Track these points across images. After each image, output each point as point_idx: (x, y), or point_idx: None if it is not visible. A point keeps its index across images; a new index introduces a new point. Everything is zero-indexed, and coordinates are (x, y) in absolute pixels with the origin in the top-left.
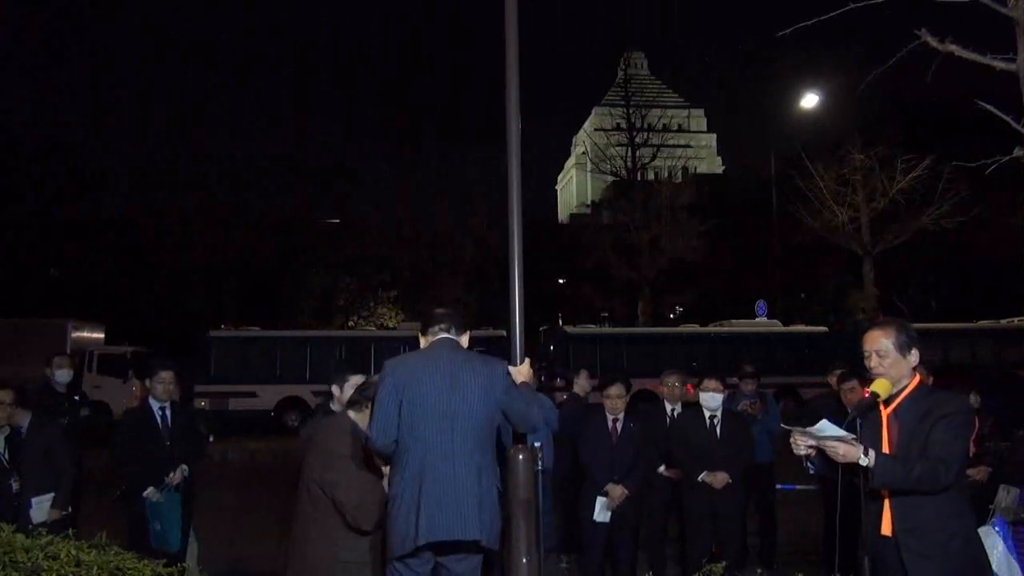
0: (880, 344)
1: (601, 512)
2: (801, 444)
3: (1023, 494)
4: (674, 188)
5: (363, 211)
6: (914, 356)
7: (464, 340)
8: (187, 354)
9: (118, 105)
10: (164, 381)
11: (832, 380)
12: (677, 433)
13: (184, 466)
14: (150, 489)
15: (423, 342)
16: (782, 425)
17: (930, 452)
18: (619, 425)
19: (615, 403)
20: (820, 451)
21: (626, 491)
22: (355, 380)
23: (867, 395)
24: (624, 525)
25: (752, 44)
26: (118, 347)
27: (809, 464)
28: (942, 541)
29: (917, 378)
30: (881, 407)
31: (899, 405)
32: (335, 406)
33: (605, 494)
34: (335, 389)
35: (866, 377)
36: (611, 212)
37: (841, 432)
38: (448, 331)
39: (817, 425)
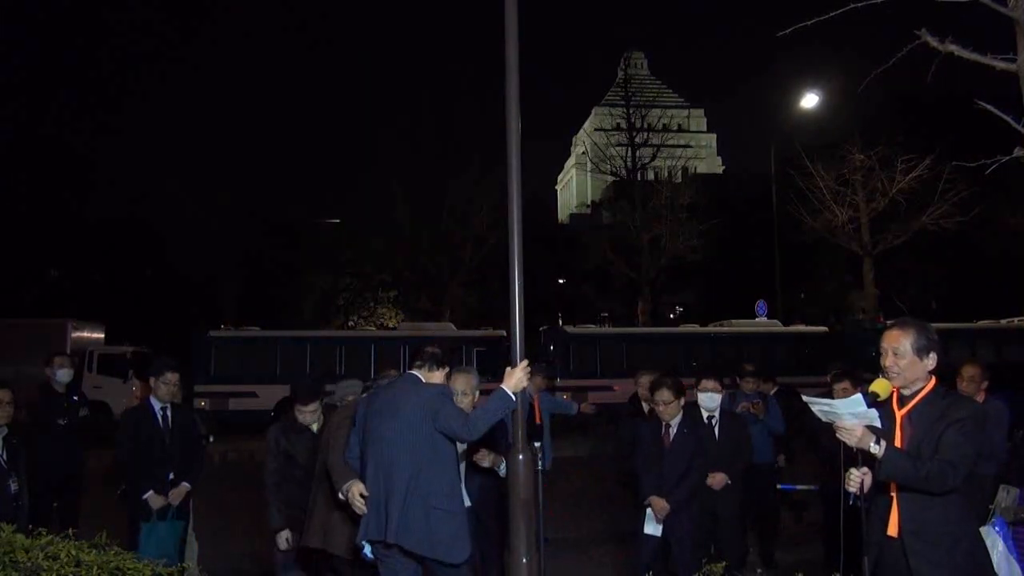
0: (898, 344)
1: (650, 524)
2: (854, 481)
3: (1023, 494)
4: (674, 188)
5: (363, 211)
6: (931, 360)
7: (436, 376)
8: (186, 354)
9: (118, 105)
10: (169, 383)
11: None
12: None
13: (186, 483)
14: (150, 493)
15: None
16: (804, 398)
17: (940, 455)
18: (672, 432)
19: (664, 410)
20: (872, 484)
21: (667, 506)
22: (348, 383)
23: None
24: (683, 539)
25: (752, 44)
26: (118, 347)
27: (860, 499)
28: (948, 545)
29: (933, 381)
30: (895, 409)
31: (913, 408)
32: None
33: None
34: (331, 387)
35: (859, 377)
36: (611, 212)
37: (870, 411)
38: (421, 368)
39: (851, 398)
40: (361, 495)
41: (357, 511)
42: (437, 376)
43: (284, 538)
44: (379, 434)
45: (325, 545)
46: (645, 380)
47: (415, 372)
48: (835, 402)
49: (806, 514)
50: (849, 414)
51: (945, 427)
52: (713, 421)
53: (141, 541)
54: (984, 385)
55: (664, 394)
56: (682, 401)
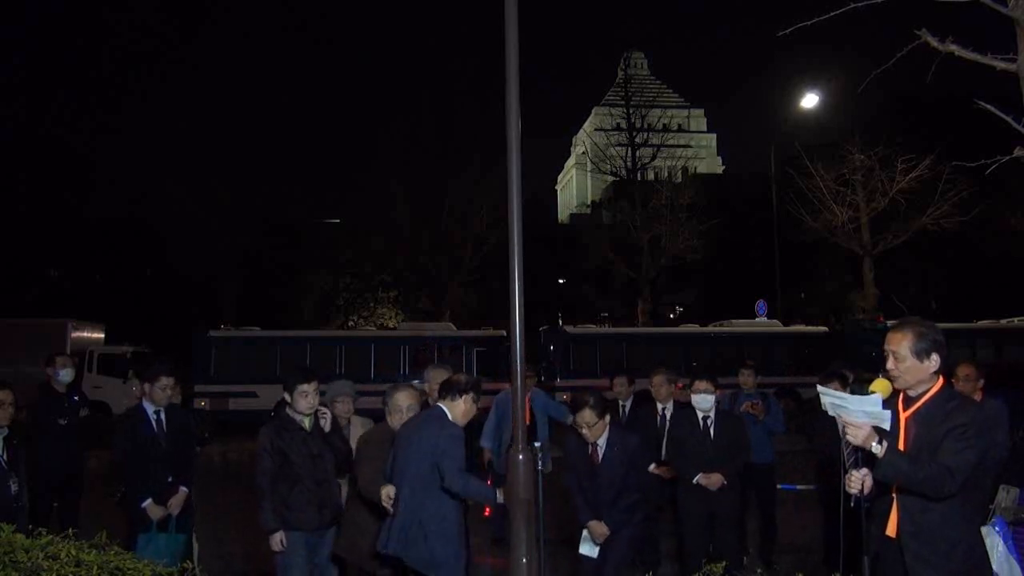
0: (898, 347)
1: (586, 545)
2: (855, 483)
3: (1023, 494)
4: (674, 188)
5: (363, 211)
6: (933, 362)
7: (459, 404)
8: (186, 354)
9: (118, 105)
10: (164, 388)
11: None
12: (671, 435)
13: (184, 488)
14: (149, 502)
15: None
16: (818, 387)
17: (940, 459)
18: (600, 450)
19: (589, 433)
20: (875, 484)
21: (607, 530)
22: (339, 383)
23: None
24: (615, 562)
25: (752, 44)
26: (118, 347)
27: (863, 499)
28: (945, 549)
29: (940, 382)
30: (900, 410)
31: (918, 409)
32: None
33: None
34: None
35: (858, 377)
36: (611, 212)
37: (884, 412)
38: (445, 399)
39: (867, 396)
40: (389, 496)
41: (389, 511)
42: (460, 404)
43: (278, 540)
44: (400, 461)
45: (347, 554)
46: (658, 379)
47: (441, 404)
48: (850, 397)
49: (806, 514)
50: (861, 411)
51: (946, 432)
52: (708, 422)
53: (137, 553)
54: (980, 384)
55: (587, 416)
56: (608, 418)
